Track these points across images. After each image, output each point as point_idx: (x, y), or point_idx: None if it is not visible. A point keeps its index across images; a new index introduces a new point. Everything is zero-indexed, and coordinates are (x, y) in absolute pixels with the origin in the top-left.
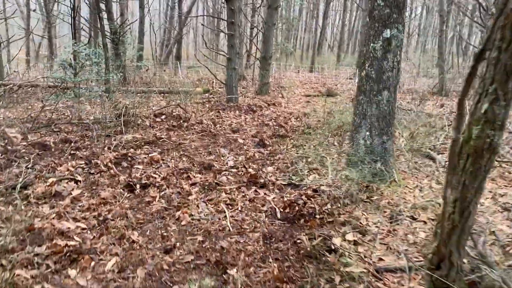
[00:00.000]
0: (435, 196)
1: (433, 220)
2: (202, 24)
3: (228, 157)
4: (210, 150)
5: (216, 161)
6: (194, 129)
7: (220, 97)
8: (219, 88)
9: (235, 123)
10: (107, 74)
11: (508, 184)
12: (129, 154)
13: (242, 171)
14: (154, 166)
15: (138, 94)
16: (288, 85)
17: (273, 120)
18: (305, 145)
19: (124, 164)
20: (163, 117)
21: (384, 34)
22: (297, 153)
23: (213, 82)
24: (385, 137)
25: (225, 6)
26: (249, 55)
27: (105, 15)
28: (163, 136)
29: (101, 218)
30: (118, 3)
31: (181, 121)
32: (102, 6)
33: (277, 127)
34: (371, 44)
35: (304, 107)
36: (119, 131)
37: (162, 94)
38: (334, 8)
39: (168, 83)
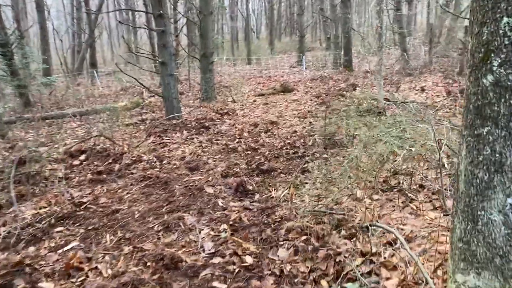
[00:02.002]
0: None
1: None
2: (119, 22)
3: (200, 234)
4: (166, 220)
5: (183, 246)
6: (132, 174)
7: (156, 113)
8: (151, 97)
9: (189, 152)
10: None
11: None
12: (27, 261)
13: (234, 264)
14: (73, 280)
15: (47, 121)
16: (233, 84)
17: (238, 140)
18: (323, 195)
19: None
20: (82, 157)
21: None
22: (311, 206)
23: (142, 92)
24: None
25: None
26: (176, 53)
27: None
28: (85, 200)
29: None
30: (12, 9)
31: (110, 161)
32: None
33: (249, 151)
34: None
35: (266, 112)
36: (9, 203)
37: (79, 117)
38: None
39: (85, 99)
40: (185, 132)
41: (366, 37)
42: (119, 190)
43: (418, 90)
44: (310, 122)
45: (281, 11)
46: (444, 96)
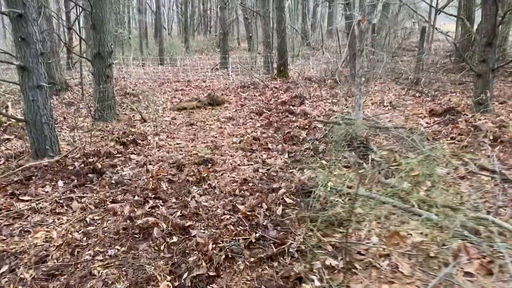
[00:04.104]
0: None
1: None
2: None
3: None
4: None
5: None
6: None
7: (25, 140)
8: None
9: (57, 242)
10: None
11: None
12: None
13: None
14: None
15: None
16: (143, 92)
17: (153, 202)
18: None
19: None
20: None
21: None
22: None
23: (7, 106)
24: None
25: None
26: (69, 50)
27: None
28: None
29: None
30: None
31: None
32: None
33: (173, 235)
34: None
35: (193, 140)
36: None
37: None
38: None
39: None
40: (60, 183)
41: (308, 37)
42: None
43: (386, 105)
44: (264, 161)
45: (194, 7)
46: (425, 116)
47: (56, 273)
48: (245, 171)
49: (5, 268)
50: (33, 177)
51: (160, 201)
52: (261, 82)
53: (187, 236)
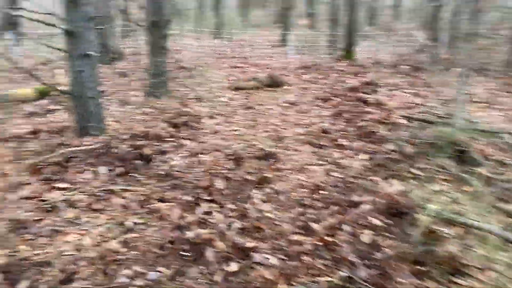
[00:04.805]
0: None
1: None
2: None
3: None
4: None
5: None
6: None
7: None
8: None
9: (91, 248)
10: None
11: None
12: None
13: None
14: None
15: None
16: (198, 67)
17: (206, 203)
18: None
19: None
20: None
21: None
22: None
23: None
24: None
25: None
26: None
27: None
28: None
29: None
30: None
31: None
32: None
33: (230, 258)
34: None
35: (252, 127)
36: None
37: None
38: None
39: None
40: (102, 169)
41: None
42: None
43: (477, 101)
44: (337, 162)
45: None
46: None
47: None
48: (315, 174)
49: (24, 284)
50: (73, 159)
51: (215, 205)
52: (324, 63)
53: (248, 261)
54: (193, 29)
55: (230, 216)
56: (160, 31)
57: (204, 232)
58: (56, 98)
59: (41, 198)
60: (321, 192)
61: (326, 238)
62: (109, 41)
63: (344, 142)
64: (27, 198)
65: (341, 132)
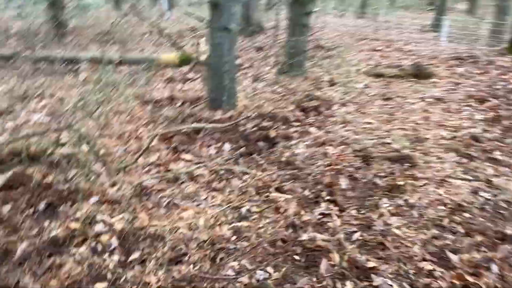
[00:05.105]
0: None
1: None
2: None
3: None
4: None
5: None
6: None
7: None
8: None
9: (204, 228)
10: None
11: None
12: None
13: None
14: None
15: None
16: (335, 46)
17: (326, 201)
18: None
19: None
20: None
21: None
22: None
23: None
24: None
25: None
26: None
27: None
28: None
29: None
30: None
31: None
32: None
33: (349, 276)
34: None
35: (387, 122)
36: None
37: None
38: None
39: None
40: (227, 146)
41: None
42: None
43: None
44: (489, 180)
45: None
46: None
47: (186, 286)
48: (458, 190)
49: (136, 255)
50: (201, 132)
51: (336, 207)
52: (483, 56)
53: (366, 283)
54: (337, 7)
55: (351, 224)
56: (303, 7)
57: (320, 238)
58: (196, 67)
59: (166, 167)
60: (464, 214)
61: (467, 277)
62: (252, 14)
63: (500, 155)
64: (154, 164)
65: (497, 143)
